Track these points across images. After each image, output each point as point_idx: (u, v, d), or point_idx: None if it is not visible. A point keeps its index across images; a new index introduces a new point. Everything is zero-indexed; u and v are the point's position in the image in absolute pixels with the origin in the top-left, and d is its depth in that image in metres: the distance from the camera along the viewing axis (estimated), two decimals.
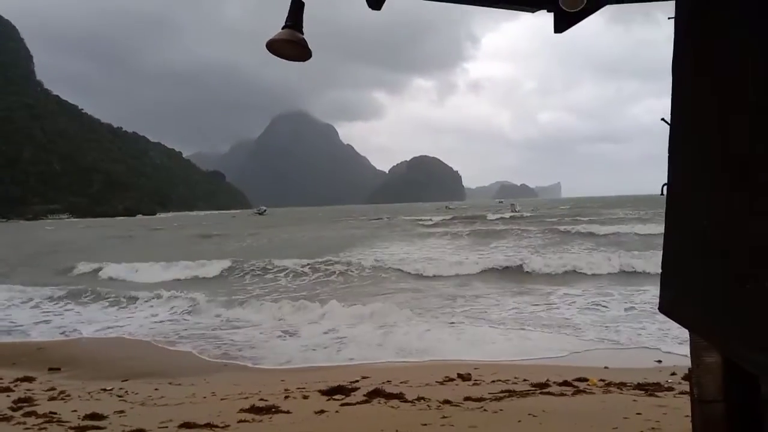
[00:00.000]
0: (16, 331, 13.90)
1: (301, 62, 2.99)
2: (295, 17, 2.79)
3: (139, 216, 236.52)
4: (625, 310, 13.28)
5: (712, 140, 1.36)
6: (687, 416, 1.94)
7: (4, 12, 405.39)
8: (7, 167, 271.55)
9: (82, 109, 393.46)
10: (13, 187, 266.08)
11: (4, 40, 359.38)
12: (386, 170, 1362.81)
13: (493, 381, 7.80)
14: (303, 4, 2.81)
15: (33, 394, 7.77)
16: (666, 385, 7.08)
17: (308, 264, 23.36)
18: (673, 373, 7.73)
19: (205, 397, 7.46)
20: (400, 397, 6.85)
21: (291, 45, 2.77)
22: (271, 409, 6.44)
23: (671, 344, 9.59)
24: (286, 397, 7.15)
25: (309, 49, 2.81)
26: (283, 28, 2.77)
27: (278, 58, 2.88)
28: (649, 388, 6.95)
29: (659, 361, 8.89)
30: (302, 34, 2.79)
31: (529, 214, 74.56)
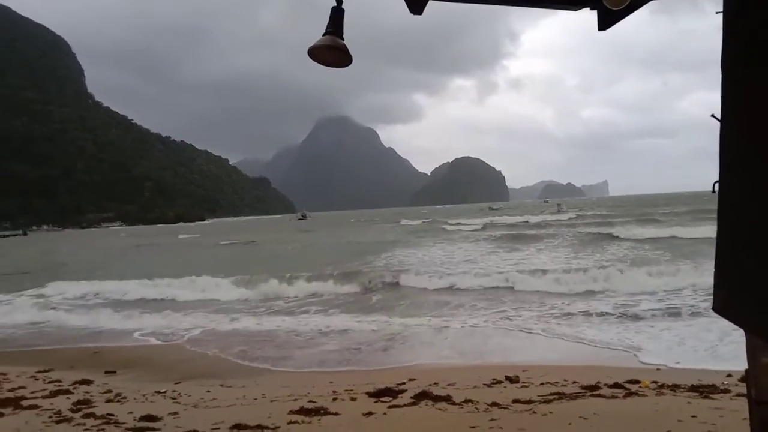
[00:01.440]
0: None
1: (341, 68, 3.03)
2: (336, 23, 2.83)
3: (181, 223, 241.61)
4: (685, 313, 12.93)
5: (765, 136, 1.34)
6: (745, 419, 1.89)
7: (57, 28, 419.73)
8: (62, 178, 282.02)
9: (132, 120, 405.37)
10: (68, 197, 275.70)
11: (59, 55, 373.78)
12: (428, 172, 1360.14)
13: (542, 383, 7.70)
14: (343, 10, 2.85)
15: (91, 396, 8.04)
16: (722, 387, 6.87)
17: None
18: (729, 375, 7.50)
19: (255, 399, 7.59)
20: (447, 399, 6.83)
21: (332, 51, 2.81)
22: (320, 411, 6.51)
23: (726, 345, 9.32)
24: (335, 399, 7.22)
25: (350, 55, 2.85)
26: (324, 35, 2.82)
27: (319, 65, 2.92)
28: (704, 390, 6.76)
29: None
30: (343, 39, 2.83)
31: (574, 215, 72.61)
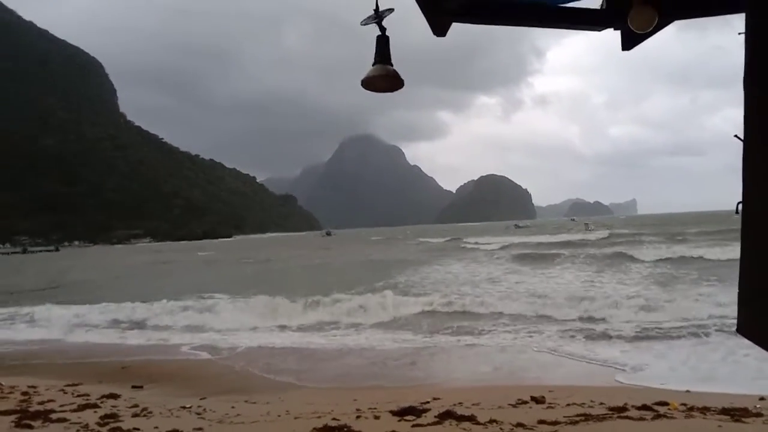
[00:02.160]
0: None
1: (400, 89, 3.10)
2: (382, 51, 2.91)
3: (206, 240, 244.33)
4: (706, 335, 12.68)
5: None
6: None
7: (90, 49, 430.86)
8: (93, 195, 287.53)
9: (162, 139, 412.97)
10: (99, 214, 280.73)
11: (93, 76, 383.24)
12: (453, 190, 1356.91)
13: (568, 404, 7.59)
14: (388, 38, 2.91)
15: (118, 410, 8.13)
16: (754, 411, 6.71)
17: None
18: (762, 398, 7.32)
19: (279, 416, 7.60)
20: (471, 419, 6.77)
21: (384, 79, 2.89)
22: (343, 429, 6.50)
23: (753, 368, 9.10)
24: (358, 417, 7.20)
25: (401, 79, 2.92)
26: (373, 64, 2.89)
27: (371, 92, 2.99)
28: (736, 414, 6.60)
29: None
30: (392, 65, 2.90)
31: (605, 234, 70.78)
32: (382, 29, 2.88)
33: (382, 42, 2.88)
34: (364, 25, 2.87)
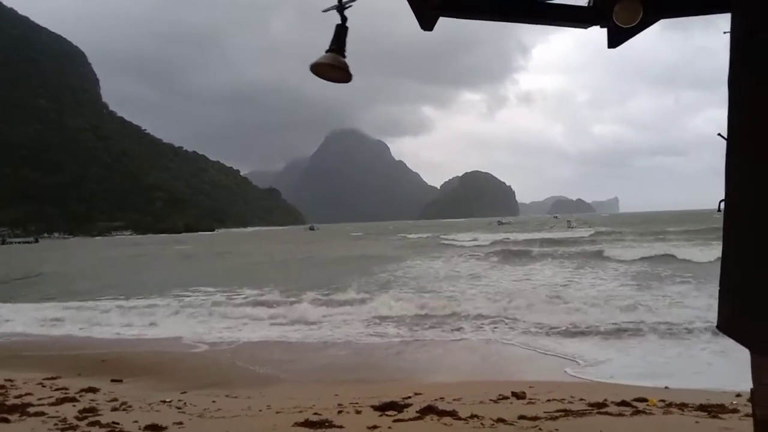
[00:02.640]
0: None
1: (344, 83, 3.07)
2: (339, 41, 2.88)
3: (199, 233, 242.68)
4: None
5: None
6: None
7: (73, 38, 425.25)
8: (73, 186, 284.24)
9: (145, 130, 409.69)
10: (80, 205, 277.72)
11: (75, 65, 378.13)
12: (438, 186, 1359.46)
13: (549, 400, 7.64)
14: (347, 28, 2.89)
15: (97, 404, 8.04)
16: (730, 407, 6.79)
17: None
18: (738, 394, 7.41)
19: (260, 410, 7.57)
20: (453, 414, 6.78)
21: (333, 69, 2.86)
22: (324, 424, 6.49)
23: (732, 364, 9.23)
24: (340, 412, 7.19)
25: (350, 73, 2.90)
26: (327, 51, 2.86)
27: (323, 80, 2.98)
28: (713, 410, 6.68)
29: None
30: (344, 57, 2.88)
31: (592, 232, 71.00)
32: (343, 18, 2.85)
33: (341, 31, 2.86)
34: (325, 12, 2.85)
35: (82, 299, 22.85)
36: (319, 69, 2.84)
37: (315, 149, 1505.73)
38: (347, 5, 2.85)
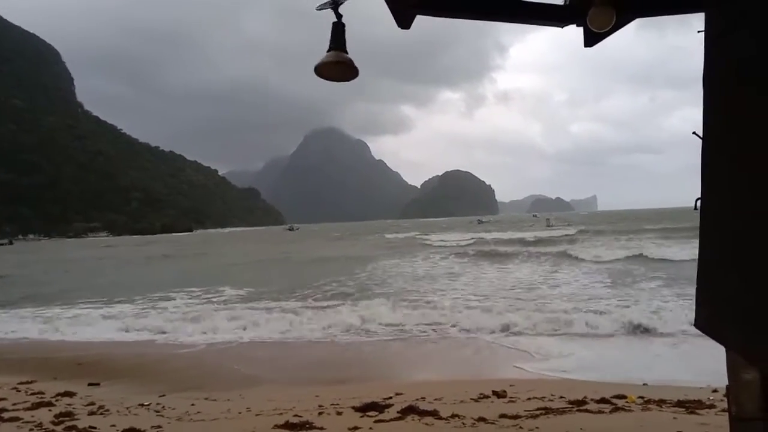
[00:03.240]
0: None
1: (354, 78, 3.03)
2: (338, 38, 2.85)
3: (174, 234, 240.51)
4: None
5: (747, 153, 1.34)
6: None
7: (47, 36, 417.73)
8: (49, 186, 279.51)
9: (121, 129, 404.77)
10: (55, 206, 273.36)
11: (49, 63, 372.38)
12: (418, 185, 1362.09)
13: (529, 398, 7.69)
14: (344, 24, 2.86)
15: (74, 408, 7.93)
16: (707, 403, 6.89)
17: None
18: (715, 390, 7.52)
19: (240, 413, 7.51)
20: (434, 414, 6.79)
21: (338, 66, 2.82)
22: (305, 425, 6.45)
23: (709, 360, 9.36)
24: (320, 413, 7.16)
25: (356, 68, 2.86)
26: (328, 51, 2.83)
27: (323, 80, 2.93)
28: (690, 406, 6.77)
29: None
30: (347, 53, 2.84)
31: (573, 231, 70.98)
32: (338, 15, 2.83)
33: (338, 28, 2.83)
34: (320, 10, 2.82)
35: (54, 302, 22.54)
36: (322, 69, 2.80)
37: (295, 148, 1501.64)
38: (341, 1, 2.82)
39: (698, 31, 1.66)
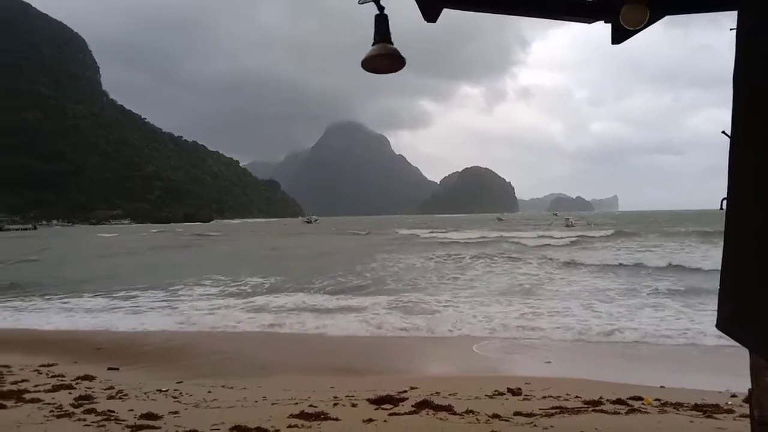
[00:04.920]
0: None
1: (392, 73, 3.03)
2: (382, 31, 2.85)
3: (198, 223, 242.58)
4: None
5: None
6: None
7: (75, 25, 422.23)
8: (73, 174, 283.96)
9: (145, 119, 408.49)
10: (79, 193, 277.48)
11: (75, 52, 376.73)
12: (437, 180, 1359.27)
13: (544, 397, 7.65)
14: (386, 16, 2.86)
15: (93, 392, 8.05)
16: (725, 407, 6.80)
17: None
18: (734, 395, 7.43)
19: (256, 401, 7.58)
20: (448, 409, 6.79)
21: (385, 58, 2.83)
22: (320, 416, 6.49)
23: (730, 363, 9.24)
24: (335, 404, 7.20)
25: (402, 58, 2.86)
26: (373, 44, 2.84)
27: (371, 73, 2.93)
28: (708, 410, 6.69)
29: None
30: (392, 44, 2.85)
31: (605, 233, 65.18)
32: (380, 8, 2.83)
33: (381, 21, 2.83)
34: (362, 3, 2.82)
35: (71, 290, 22.94)
36: (370, 62, 2.81)
37: (314, 141, 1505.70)
38: None
39: (730, 29, 1.64)
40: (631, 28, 2.57)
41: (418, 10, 2.90)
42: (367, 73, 2.95)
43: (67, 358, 11.07)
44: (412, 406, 6.97)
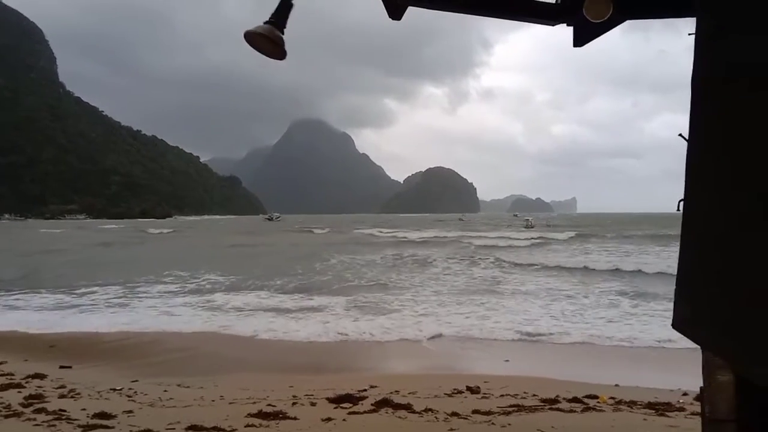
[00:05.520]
0: None
1: (280, 61, 2.98)
2: (279, 16, 2.78)
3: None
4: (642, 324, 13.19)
5: (733, 155, 1.35)
6: None
7: (30, 14, 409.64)
8: (27, 166, 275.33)
9: (103, 112, 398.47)
10: (33, 186, 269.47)
11: (31, 42, 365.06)
12: (401, 180, 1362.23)
13: (502, 395, 7.74)
14: (291, 5, 2.81)
15: (44, 391, 7.83)
16: (677, 405, 6.99)
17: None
18: (685, 393, 7.64)
19: (213, 401, 7.48)
20: (407, 407, 6.81)
21: (267, 41, 2.76)
22: (278, 415, 6.44)
23: (681, 363, 9.50)
24: (294, 404, 7.15)
25: (284, 50, 2.80)
26: (265, 23, 2.77)
27: (257, 55, 2.88)
28: (660, 408, 6.87)
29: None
30: (283, 33, 2.79)
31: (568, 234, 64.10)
32: None
33: (284, 7, 2.78)
34: None
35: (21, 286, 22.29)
36: (253, 38, 2.75)
37: (277, 138, 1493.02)
38: None
39: (689, 34, 1.67)
40: (594, 21, 2.60)
41: (383, 7, 2.89)
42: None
43: (17, 356, 10.72)
44: (372, 404, 6.98)
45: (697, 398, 7.20)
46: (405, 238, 63.14)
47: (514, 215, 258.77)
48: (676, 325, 1.62)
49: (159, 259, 36.89)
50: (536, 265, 29.51)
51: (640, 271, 25.84)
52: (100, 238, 70.07)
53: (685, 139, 1.64)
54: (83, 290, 20.35)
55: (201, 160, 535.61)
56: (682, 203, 1.64)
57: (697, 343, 1.57)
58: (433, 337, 12.69)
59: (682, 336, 1.60)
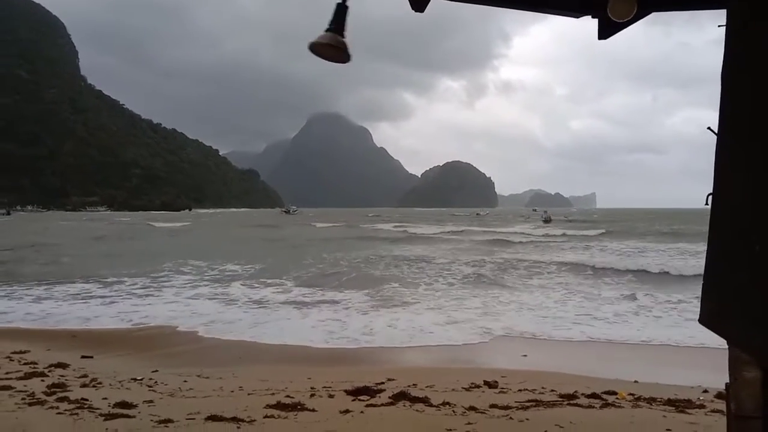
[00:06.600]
0: None
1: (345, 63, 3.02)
2: (338, 21, 2.83)
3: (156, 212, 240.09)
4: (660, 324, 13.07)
5: (765, 150, 1.32)
6: None
7: (53, 9, 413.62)
8: (49, 159, 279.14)
9: (124, 105, 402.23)
10: (54, 179, 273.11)
11: (54, 36, 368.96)
12: (418, 174, 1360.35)
13: (520, 390, 7.72)
14: (347, 7, 2.83)
15: (66, 380, 7.95)
16: (697, 402, 6.92)
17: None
18: (705, 390, 7.56)
19: (232, 391, 7.54)
20: (425, 401, 6.82)
21: (331, 48, 2.81)
22: (296, 406, 6.48)
23: (703, 360, 9.40)
24: (312, 395, 7.18)
25: (349, 54, 2.85)
26: (326, 31, 2.81)
27: (317, 58, 2.92)
28: (680, 405, 6.80)
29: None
30: (344, 37, 2.83)
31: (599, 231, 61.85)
32: None
33: (341, 11, 2.81)
34: None
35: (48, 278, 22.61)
36: (317, 48, 2.79)
37: (296, 131, 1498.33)
38: None
39: (719, 26, 1.64)
40: (619, 20, 2.57)
41: (406, 1, 2.88)
42: (325, 61, 2.95)
43: (40, 346, 10.90)
44: (389, 397, 6.98)
45: (719, 395, 7.13)
46: (424, 233, 62.98)
47: (533, 210, 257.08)
48: (702, 320, 1.60)
49: (184, 250, 37.28)
50: (558, 261, 29.24)
51: (667, 273, 25.28)
52: (102, 230, 70.85)
53: (714, 132, 1.61)
54: (124, 278, 20.63)
55: (220, 154, 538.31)
56: (710, 197, 1.61)
57: (724, 338, 1.56)
58: (452, 330, 12.67)
59: (703, 333, 1.58)
